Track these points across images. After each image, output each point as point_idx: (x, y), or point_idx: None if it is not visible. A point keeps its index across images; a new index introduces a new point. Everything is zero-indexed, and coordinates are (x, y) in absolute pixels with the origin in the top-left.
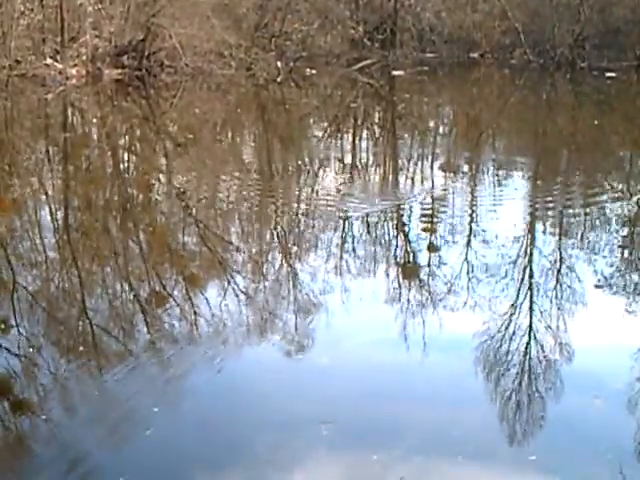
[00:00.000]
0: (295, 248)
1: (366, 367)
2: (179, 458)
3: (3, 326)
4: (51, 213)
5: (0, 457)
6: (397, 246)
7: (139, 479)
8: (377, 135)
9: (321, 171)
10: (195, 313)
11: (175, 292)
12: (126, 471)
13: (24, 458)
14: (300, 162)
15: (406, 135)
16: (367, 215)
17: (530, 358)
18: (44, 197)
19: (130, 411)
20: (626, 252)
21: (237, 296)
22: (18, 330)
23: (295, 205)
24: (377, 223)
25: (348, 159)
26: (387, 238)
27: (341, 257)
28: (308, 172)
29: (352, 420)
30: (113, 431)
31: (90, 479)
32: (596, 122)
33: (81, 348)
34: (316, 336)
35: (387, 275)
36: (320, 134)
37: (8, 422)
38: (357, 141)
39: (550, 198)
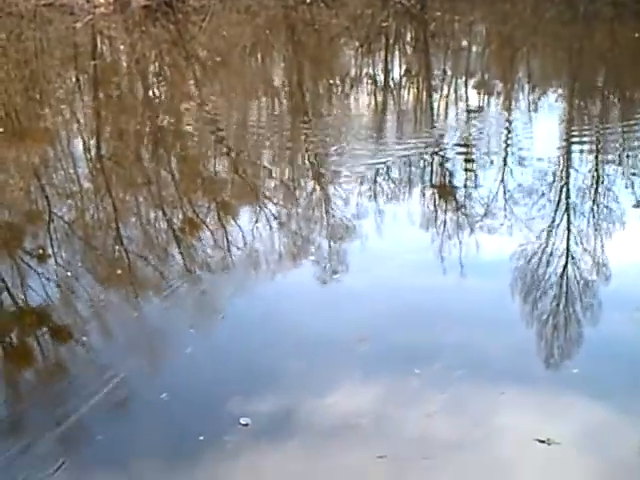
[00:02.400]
0: (328, 172)
1: (402, 289)
2: (217, 377)
3: (40, 255)
4: (83, 142)
5: (42, 382)
6: (432, 168)
7: (180, 395)
8: (409, 54)
9: (354, 92)
10: (228, 239)
11: (208, 219)
12: (167, 388)
13: (65, 381)
14: (332, 83)
15: (439, 54)
16: (400, 136)
17: (567, 279)
18: (76, 126)
19: (168, 333)
20: None
21: (270, 222)
22: (55, 259)
23: (327, 127)
24: (411, 144)
25: (380, 79)
26: (422, 160)
27: (375, 180)
28: (340, 93)
29: (390, 339)
30: (153, 352)
31: (133, 397)
32: (637, 35)
33: (117, 275)
34: (350, 260)
35: (422, 197)
36: (351, 54)
37: (48, 348)
38: (389, 61)
39: (587, 118)
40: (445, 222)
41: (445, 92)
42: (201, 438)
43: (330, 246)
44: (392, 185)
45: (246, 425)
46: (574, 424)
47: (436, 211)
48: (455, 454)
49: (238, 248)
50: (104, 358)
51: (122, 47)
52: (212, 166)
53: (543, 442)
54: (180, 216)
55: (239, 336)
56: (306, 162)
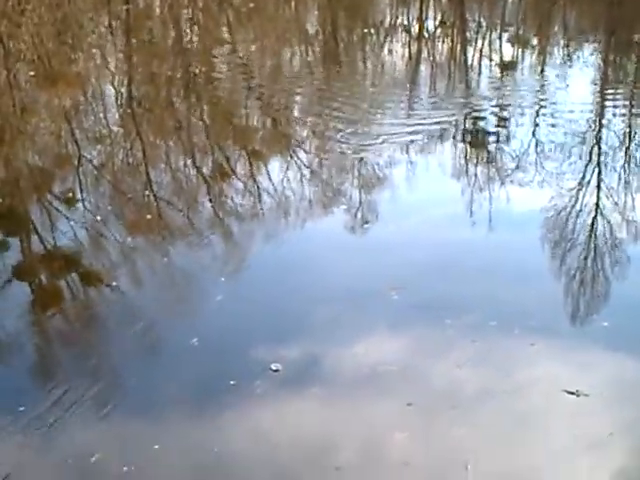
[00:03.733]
0: (361, 122)
1: (432, 241)
2: (248, 324)
3: (69, 199)
4: (114, 87)
5: (72, 327)
6: (464, 121)
7: (211, 341)
8: (444, 4)
9: (388, 41)
10: (259, 187)
11: (239, 166)
12: (198, 334)
13: (97, 326)
14: (366, 32)
15: (475, 5)
16: (433, 88)
17: (596, 234)
18: (107, 71)
19: (198, 280)
20: None
21: (301, 171)
22: (84, 203)
23: (360, 75)
24: (443, 97)
25: (415, 29)
26: (454, 113)
27: (407, 131)
28: (374, 42)
29: (420, 290)
30: (183, 298)
31: (163, 342)
32: None
33: (146, 221)
34: (381, 210)
35: (454, 150)
36: (386, 3)
37: (78, 292)
38: (424, 10)
39: (622, 74)
40: (476, 175)
41: (479, 44)
42: (232, 383)
43: (361, 196)
44: (424, 137)
45: (276, 371)
46: (603, 376)
47: (467, 164)
48: (484, 404)
49: (269, 196)
50: (134, 303)
51: None
52: (243, 113)
53: (572, 393)
54: (210, 163)
55: (269, 284)
56: (338, 112)
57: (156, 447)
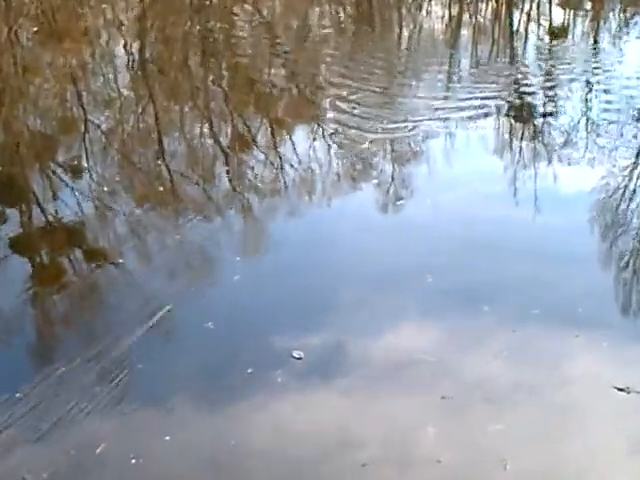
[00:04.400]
0: (395, 89)
1: (471, 220)
2: (267, 307)
3: (75, 168)
4: (125, 46)
5: (76, 309)
6: (510, 91)
7: (227, 325)
8: None
9: (426, 1)
10: (281, 159)
11: (260, 135)
12: (213, 317)
13: (102, 308)
14: None
15: None
16: (476, 54)
17: None
18: (118, 28)
19: (213, 259)
20: None
21: (328, 141)
22: (90, 173)
23: (395, 40)
24: (487, 65)
25: None
26: (498, 82)
27: (446, 100)
28: (411, 1)
29: (457, 273)
30: (197, 278)
31: (176, 325)
32: None
33: (158, 193)
34: (416, 186)
35: (497, 122)
36: None
37: (81, 270)
38: None
39: None
40: (521, 150)
41: (527, 7)
42: (249, 371)
43: (394, 170)
44: (465, 107)
45: (299, 359)
46: None
47: (511, 139)
48: (523, 399)
49: (292, 169)
50: (143, 283)
51: None
52: (266, 78)
53: (622, 390)
54: (229, 131)
55: (292, 264)
56: (370, 77)
57: (167, 439)
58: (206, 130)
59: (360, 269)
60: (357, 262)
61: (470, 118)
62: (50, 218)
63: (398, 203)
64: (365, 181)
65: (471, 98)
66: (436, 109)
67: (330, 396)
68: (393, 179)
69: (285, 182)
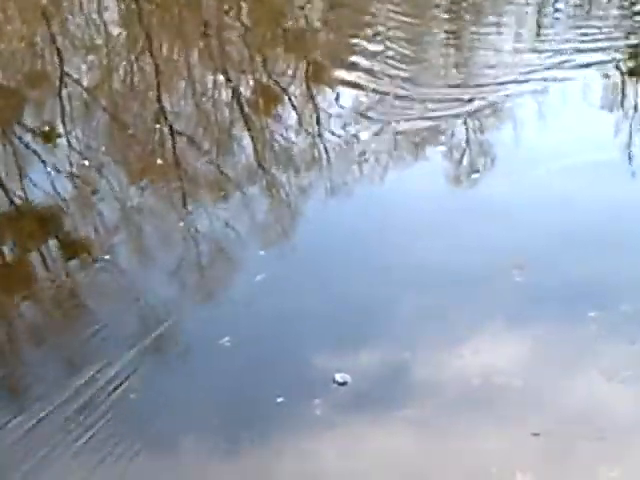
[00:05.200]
0: (465, 32)
1: (569, 199)
2: (299, 315)
3: (47, 134)
4: None
5: (50, 321)
6: (617, 37)
7: (248, 340)
8: None
9: None
10: (317, 121)
11: (289, 90)
12: (231, 331)
13: (83, 319)
14: None
15: None
16: None
17: None
18: None
19: (229, 254)
20: None
21: (379, 93)
22: (68, 140)
23: None
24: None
25: None
26: (603, 28)
27: (535, 41)
28: None
29: (552, 269)
30: (208, 279)
31: (180, 344)
32: None
33: (157, 168)
34: (496, 156)
35: (602, 73)
36: None
37: (58, 270)
38: None
39: None
40: (636, 109)
41: None
42: (279, 400)
43: (468, 135)
44: (559, 54)
45: (343, 384)
46: None
47: (623, 94)
48: None
49: (333, 133)
50: (136, 287)
51: None
52: (299, 10)
53: None
54: (250, 83)
55: (333, 260)
56: (430, 17)
57: None
58: (220, 83)
59: (423, 265)
60: (419, 256)
61: (567, 62)
62: (16, 201)
63: (473, 176)
64: (430, 146)
65: (571, 40)
66: (519, 62)
67: (386, 434)
68: (467, 145)
69: (324, 151)
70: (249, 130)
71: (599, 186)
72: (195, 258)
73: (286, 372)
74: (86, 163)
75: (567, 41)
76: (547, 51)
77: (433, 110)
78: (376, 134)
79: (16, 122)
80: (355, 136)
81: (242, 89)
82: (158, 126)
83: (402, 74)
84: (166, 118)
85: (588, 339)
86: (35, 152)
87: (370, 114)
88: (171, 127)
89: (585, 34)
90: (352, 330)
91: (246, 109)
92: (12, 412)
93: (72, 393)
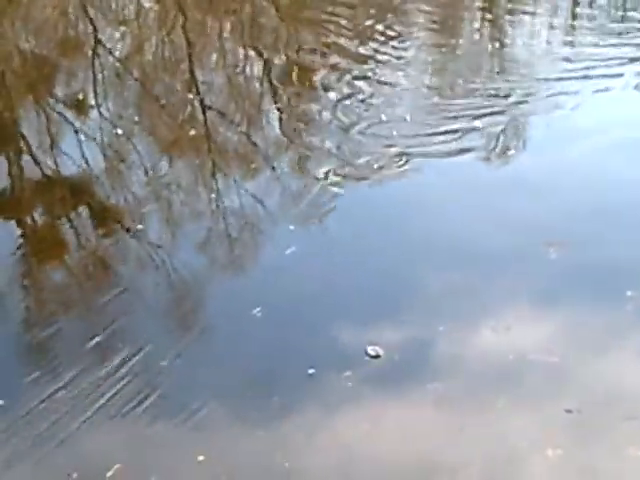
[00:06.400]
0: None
1: (606, 177)
2: (331, 288)
3: (79, 104)
4: None
5: (81, 292)
6: None
7: (279, 311)
8: None
9: None
10: (352, 90)
11: (324, 59)
12: (262, 301)
13: (115, 290)
14: None
15: None
16: None
17: None
18: None
19: (259, 227)
20: None
21: (417, 71)
22: (99, 110)
23: None
24: None
25: None
26: None
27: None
28: None
29: (588, 247)
30: (239, 252)
31: (211, 314)
32: None
33: (188, 139)
34: (531, 131)
35: None
36: None
37: (89, 240)
38: None
39: None
40: None
41: None
42: (310, 372)
43: (503, 109)
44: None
45: (376, 357)
46: None
47: None
48: None
49: (365, 105)
50: (169, 258)
51: None
52: None
53: None
54: (284, 54)
55: (364, 234)
56: None
57: (200, 459)
58: (253, 54)
59: (456, 241)
60: (452, 232)
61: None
62: (47, 171)
63: (509, 153)
64: (462, 121)
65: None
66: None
67: (416, 407)
68: (503, 126)
69: (356, 122)
70: (280, 103)
71: (633, 163)
72: (225, 230)
73: (317, 344)
74: (118, 132)
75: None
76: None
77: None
78: (409, 106)
79: (48, 92)
80: (389, 103)
81: (274, 61)
82: (190, 97)
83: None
84: (198, 89)
85: (623, 318)
86: (66, 122)
87: (409, 82)
88: (202, 99)
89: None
90: (384, 304)
91: (278, 82)
92: (41, 374)
93: (96, 360)
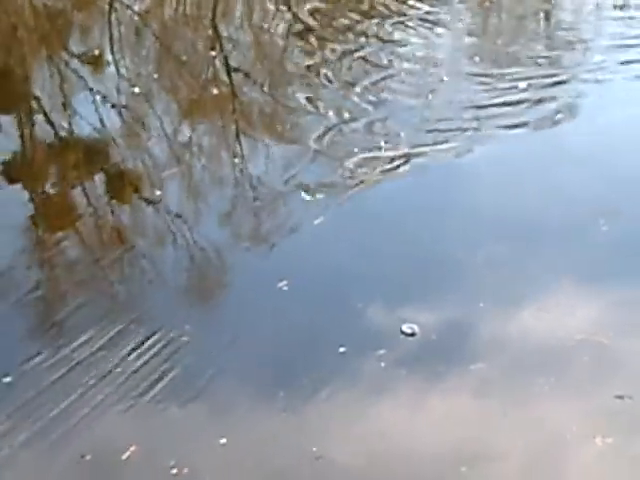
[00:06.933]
0: None
1: None
2: (363, 260)
3: (95, 60)
4: None
5: (95, 265)
6: None
7: (307, 285)
8: None
9: None
10: (393, 46)
11: (354, 15)
12: (288, 274)
13: (129, 260)
14: None
15: None
16: None
17: None
18: None
19: (286, 193)
20: None
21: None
22: (116, 66)
23: None
24: None
25: None
26: None
27: None
28: None
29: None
30: (264, 220)
31: (234, 288)
32: None
33: (211, 99)
34: (582, 95)
35: None
36: None
37: (103, 207)
38: None
39: None
40: None
41: None
42: (341, 351)
43: (553, 78)
44: None
45: (411, 335)
46: None
47: None
48: None
49: (408, 60)
50: (189, 226)
51: None
52: None
53: None
54: (309, 13)
55: (395, 207)
56: None
57: (222, 442)
58: (283, 8)
59: (501, 214)
60: (497, 204)
61: None
62: (61, 132)
63: (557, 117)
64: (505, 83)
65: None
66: None
67: (454, 390)
68: (553, 96)
69: (397, 80)
70: (312, 61)
71: None
72: (250, 198)
73: (348, 320)
74: (136, 91)
75: None
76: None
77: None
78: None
79: (62, 47)
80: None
81: (301, 16)
82: (213, 54)
83: None
84: (222, 46)
85: None
86: (81, 78)
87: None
88: (226, 56)
89: None
90: (420, 280)
91: (305, 40)
92: (55, 351)
93: (113, 337)
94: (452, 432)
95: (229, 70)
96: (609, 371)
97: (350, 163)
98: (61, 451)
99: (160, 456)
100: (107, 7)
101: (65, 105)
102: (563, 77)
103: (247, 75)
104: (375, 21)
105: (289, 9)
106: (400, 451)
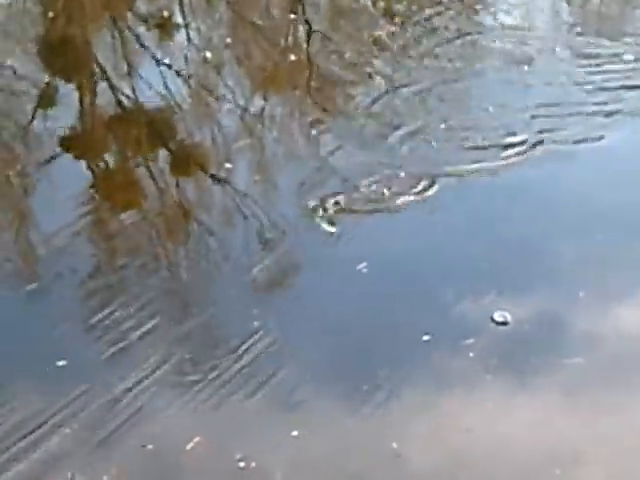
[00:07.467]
0: None
1: None
2: (451, 243)
3: (163, 24)
4: None
5: (160, 239)
6: None
7: (389, 268)
8: None
9: None
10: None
11: None
12: (368, 255)
13: (200, 235)
14: None
15: None
16: None
17: None
18: None
19: (367, 169)
20: None
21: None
22: (187, 32)
23: None
24: None
25: None
26: None
27: None
28: None
29: None
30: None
31: (311, 269)
32: None
33: (289, 67)
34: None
35: None
36: None
37: (169, 179)
38: None
39: None
40: None
41: None
42: (425, 339)
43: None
44: None
45: (504, 324)
46: None
47: None
48: None
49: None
50: (262, 203)
51: None
52: None
53: None
54: None
55: (490, 193)
56: None
57: (294, 434)
58: None
59: (600, 206)
60: (587, 196)
61: None
62: (124, 101)
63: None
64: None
65: None
66: None
67: (547, 385)
68: None
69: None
70: (393, 26)
71: None
72: (326, 173)
73: (434, 306)
74: (206, 57)
75: None
76: None
77: None
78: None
79: (127, 8)
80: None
81: None
82: (291, 17)
83: None
84: (303, 9)
85: None
86: (147, 45)
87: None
88: (306, 20)
89: None
90: (514, 266)
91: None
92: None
93: (176, 322)
94: (543, 432)
95: (309, 34)
96: None
97: (439, 140)
98: (121, 439)
99: (226, 448)
100: None
101: (130, 72)
102: None
103: (328, 40)
104: None
105: None
106: (486, 451)
